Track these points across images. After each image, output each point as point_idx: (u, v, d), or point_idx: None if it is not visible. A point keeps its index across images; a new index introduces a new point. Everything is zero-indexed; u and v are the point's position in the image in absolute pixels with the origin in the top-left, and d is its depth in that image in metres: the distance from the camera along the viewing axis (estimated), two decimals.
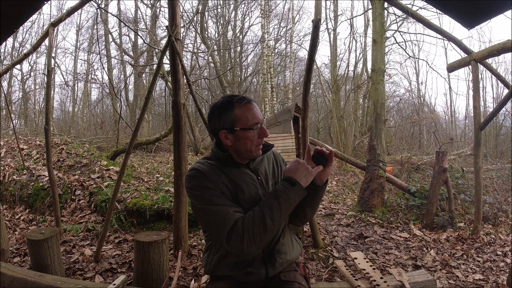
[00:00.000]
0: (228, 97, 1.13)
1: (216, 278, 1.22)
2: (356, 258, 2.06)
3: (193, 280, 2.39)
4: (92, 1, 3.72)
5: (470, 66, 3.59)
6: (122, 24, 12.61)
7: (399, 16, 8.82)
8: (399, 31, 8.50)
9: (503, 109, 9.84)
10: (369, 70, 7.53)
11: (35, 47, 3.94)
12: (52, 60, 3.58)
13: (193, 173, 1.11)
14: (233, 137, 1.10)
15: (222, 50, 14.48)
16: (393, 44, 11.06)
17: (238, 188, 1.12)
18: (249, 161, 1.18)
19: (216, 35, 15.33)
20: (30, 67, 13.24)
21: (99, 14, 10.45)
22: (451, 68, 3.94)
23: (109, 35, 13.56)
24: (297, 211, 1.15)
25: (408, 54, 11.31)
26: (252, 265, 1.15)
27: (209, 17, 15.06)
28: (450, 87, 19.53)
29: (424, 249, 3.14)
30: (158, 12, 12.44)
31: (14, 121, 9.80)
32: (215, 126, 1.13)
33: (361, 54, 12.71)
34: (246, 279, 1.17)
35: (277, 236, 1.19)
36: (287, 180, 1.06)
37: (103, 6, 9.53)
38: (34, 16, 10.81)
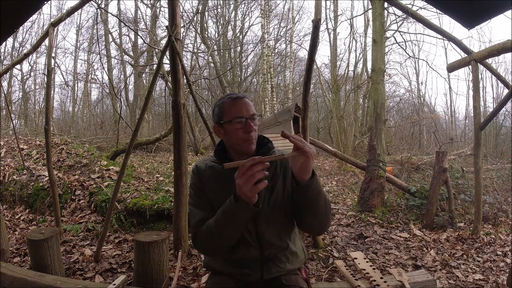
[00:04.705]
0: (224, 95, 1.20)
1: (215, 272, 1.26)
2: (356, 258, 2.06)
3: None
4: (92, 1, 3.71)
5: (470, 66, 3.59)
6: (122, 24, 12.61)
7: (399, 16, 8.81)
8: (399, 31, 8.49)
9: (503, 109, 9.84)
10: (369, 70, 7.53)
11: (35, 47, 3.94)
12: (52, 60, 3.58)
13: (192, 169, 1.23)
14: (222, 131, 1.16)
15: (222, 50, 14.48)
16: (393, 44, 11.04)
17: (223, 190, 1.13)
18: None
19: (216, 35, 15.34)
20: (30, 67, 13.25)
21: (99, 14, 10.45)
22: (451, 68, 3.94)
23: (109, 35, 13.55)
24: (301, 221, 1.14)
25: (408, 54, 11.29)
26: (249, 267, 1.17)
27: (209, 17, 15.09)
28: (450, 87, 19.50)
29: (424, 249, 3.14)
30: (158, 12, 12.46)
31: (14, 121, 9.80)
32: (213, 121, 1.21)
33: (361, 54, 12.70)
34: (244, 279, 1.18)
35: (282, 246, 1.19)
36: (234, 194, 0.99)
37: (103, 6, 9.52)
38: (34, 16, 10.82)
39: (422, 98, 16.25)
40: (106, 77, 12.53)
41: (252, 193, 0.91)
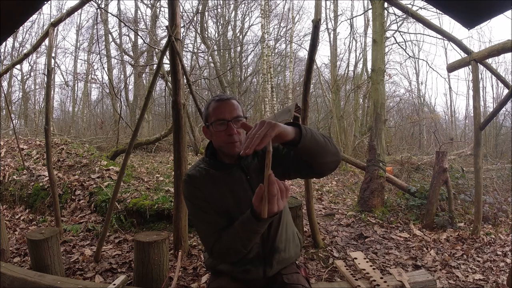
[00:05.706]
0: (212, 97, 1.21)
1: (217, 273, 1.26)
2: (356, 258, 2.06)
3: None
4: (92, 1, 3.71)
5: (470, 66, 3.59)
6: (122, 24, 12.60)
7: (399, 16, 8.79)
8: (399, 31, 8.48)
9: (503, 109, 9.81)
10: (369, 70, 7.53)
11: (35, 47, 3.94)
12: (52, 60, 3.58)
13: (185, 179, 1.18)
14: (209, 132, 1.18)
15: (222, 50, 14.47)
16: (393, 44, 11.00)
17: (225, 193, 1.15)
18: (239, 159, 1.18)
19: (216, 35, 15.32)
20: (30, 67, 13.19)
21: (99, 14, 10.42)
22: (451, 68, 3.94)
23: (109, 35, 13.53)
24: (318, 166, 1.04)
25: (408, 54, 11.20)
26: (251, 263, 1.18)
27: (209, 17, 15.05)
28: (450, 87, 19.40)
29: (424, 249, 3.14)
30: (158, 12, 12.43)
31: (14, 121, 9.78)
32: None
33: (361, 54, 12.66)
34: (245, 277, 1.19)
35: (277, 233, 1.20)
36: (253, 214, 0.94)
37: (103, 6, 9.53)
38: (34, 16, 10.79)
39: (422, 98, 16.23)
40: (106, 77, 12.51)
41: (284, 204, 0.90)
